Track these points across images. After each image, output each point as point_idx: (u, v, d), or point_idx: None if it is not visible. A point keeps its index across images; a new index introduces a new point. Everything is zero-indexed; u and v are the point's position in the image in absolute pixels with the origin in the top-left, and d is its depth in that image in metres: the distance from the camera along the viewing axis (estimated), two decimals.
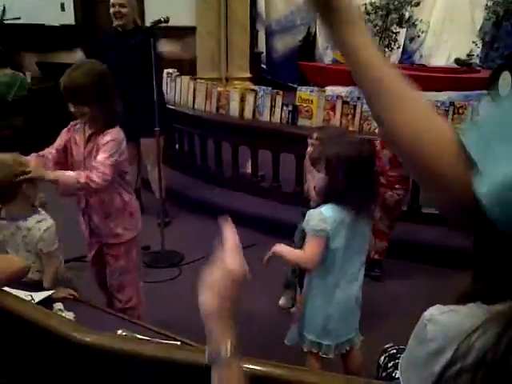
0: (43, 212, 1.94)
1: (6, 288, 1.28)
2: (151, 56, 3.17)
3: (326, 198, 1.80)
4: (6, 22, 7.00)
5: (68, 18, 7.68)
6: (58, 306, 1.62)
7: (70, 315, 1.56)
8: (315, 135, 2.54)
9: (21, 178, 1.80)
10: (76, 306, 1.67)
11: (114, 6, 3.60)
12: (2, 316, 1.08)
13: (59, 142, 2.14)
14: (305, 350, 1.89)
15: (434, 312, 0.90)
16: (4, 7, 7.19)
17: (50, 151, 2.12)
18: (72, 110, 1.99)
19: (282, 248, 1.85)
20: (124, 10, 3.59)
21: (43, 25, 7.00)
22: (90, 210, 2.15)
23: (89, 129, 2.06)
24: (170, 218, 3.89)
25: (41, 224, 1.86)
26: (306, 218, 1.79)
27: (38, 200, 2.04)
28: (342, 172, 1.74)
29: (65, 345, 1.03)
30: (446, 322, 0.86)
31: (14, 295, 1.16)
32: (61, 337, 1.01)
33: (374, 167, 1.84)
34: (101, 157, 1.97)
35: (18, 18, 6.82)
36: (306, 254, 1.78)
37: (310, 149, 2.57)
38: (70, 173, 1.95)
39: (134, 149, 3.86)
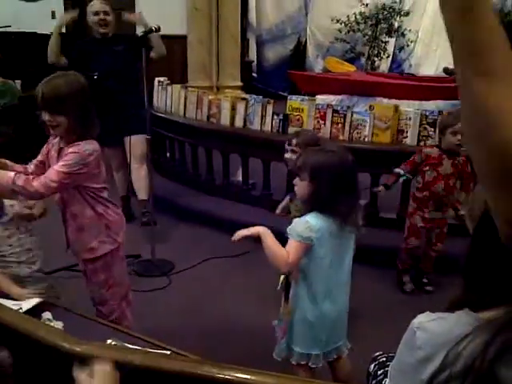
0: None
1: None
2: (136, 62, 3.21)
3: (310, 206, 1.80)
4: None
5: None
6: (47, 315, 1.60)
7: (58, 325, 1.54)
8: (294, 141, 2.58)
9: None
10: (65, 316, 1.66)
11: (98, 13, 3.63)
12: None
13: (40, 156, 2.13)
14: (293, 362, 1.88)
15: (423, 319, 0.91)
16: None
17: (31, 165, 2.13)
18: (46, 118, 1.94)
19: (267, 233, 1.78)
20: (109, 18, 3.64)
21: (35, 33, 6.98)
22: (66, 223, 2.12)
23: (62, 142, 2.01)
24: (151, 219, 3.72)
25: None
26: (292, 225, 1.78)
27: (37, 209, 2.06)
28: (325, 181, 1.75)
29: (54, 354, 1.02)
30: (435, 329, 0.87)
31: (2, 304, 1.15)
32: (49, 346, 1.00)
33: (355, 175, 1.82)
34: (55, 165, 1.93)
35: (9, 26, 6.80)
36: (287, 254, 1.73)
37: (288, 155, 2.63)
38: (10, 173, 1.89)
39: (120, 155, 3.88)
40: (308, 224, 1.74)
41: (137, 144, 3.53)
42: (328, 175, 1.74)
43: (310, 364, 1.86)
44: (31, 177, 1.91)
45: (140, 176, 3.76)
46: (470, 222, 0.89)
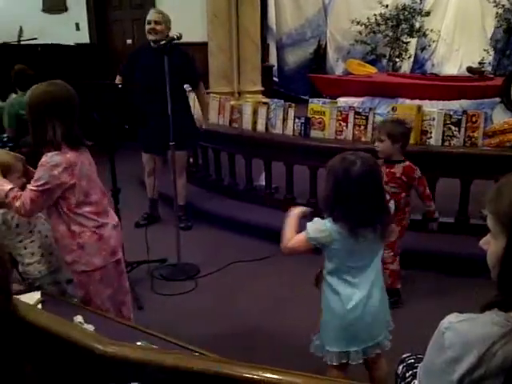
0: (4, 211, 2.01)
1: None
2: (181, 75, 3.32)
3: (323, 211, 1.82)
4: (22, 42, 7.17)
5: (83, 37, 7.87)
6: (78, 318, 1.64)
7: (90, 328, 1.58)
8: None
9: None
10: (95, 319, 1.70)
11: (150, 23, 3.81)
12: (28, 330, 1.10)
13: None
14: (328, 362, 1.87)
15: (452, 320, 0.91)
16: (21, 28, 7.37)
17: None
18: None
19: (293, 215, 1.92)
20: (159, 27, 3.78)
21: (60, 44, 7.16)
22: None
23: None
24: (191, 223, 4.09)
25: None
26: (312, 221, 1.82)
27: None
28: (329, 186, 1.78)
29: (88, 356, 1.05)
30: (464, 329, 0.87)
31: (38, 308, 1.18)
32: (84, 348, 1.03)
33: (370, 185, 1.76)
34: (29, 184, 1.94)
35: (35, 39, 6.98)
36: (290, 243, 1.84)
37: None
38: (7, 186, 1.93)
39: (155, 162, 4.06)
40: (322, 227, 1.78)
41: (178, 158, 3.59)
42: (333, 182, 1.76)
43: (350, 361, 1.85)
44: (19, 194, 1.91)
45: (181, 184, 3.94)
46: (497, 223, 0.88)
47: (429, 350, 0.92)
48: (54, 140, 1.93)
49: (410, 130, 2.87)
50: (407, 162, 2.77)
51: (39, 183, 1.90)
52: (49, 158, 1.92)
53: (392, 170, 2.73)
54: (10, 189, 1.92)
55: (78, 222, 2.00)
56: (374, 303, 1.83)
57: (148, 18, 3.85)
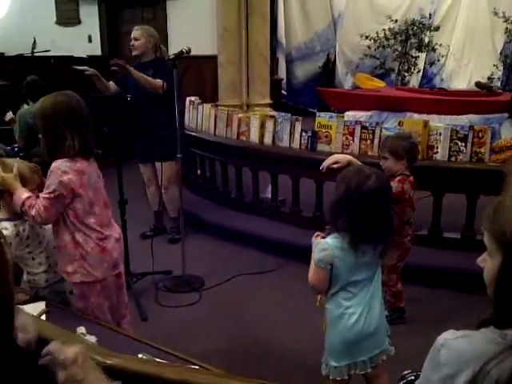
0: (19, 222, 2.03)
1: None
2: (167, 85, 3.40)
3: (329, 221, 1.83)
4: (36, 54, 7.29)
5: (95, 49, 7.99)
6: (81, 329, 1.65)
7: (92, 339, 1.59)
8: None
9: None
10: (98, 330, 1.71)
11: (131, 40, 3.93)
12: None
13: None
14: (345, 377, 1.84)
15: (448, 337, 0.91)
16: (34, 39, 7.51)
17: None
18: None
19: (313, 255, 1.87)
20: (136, 43, 3.87)
21: (72, 56, 7.27)
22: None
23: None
24: (180, 236, 3.95)
25: (2, 231, 1.91)
26: (313, 248, 1.82)
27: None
28: (339, 194, 1.78)
29: None
30: (460, 346, 0.87)
31: (42, 321, 1.20)
32: None
33: (379, 203, 1.76)
34: (43, 192, 1.97)
35: (48, 51, 7.10)
36: (309, 277, 1.83)
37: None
38: (24, 194, 1.96)
39: (151, 171, 4.07)
40: (324, 245, 1.79)
41: (163, 169, 3.65)
42: (343, 191, 1.76)
43: (357, 371, 1.84)
44: (34, 202, 1.94)
45: (167, 198, 4.06)
46: (493, 241, 0.88)
47: (425, 366, 0.93)
48: (69, 150, 1.96)
49: (415, 145, 2.79)
50: (397, 178, 2.65)
51: (50, 190, 1.94)
52: (59, 164, 1.96)
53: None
54: (27, 197, 1.96)
55: (82, 232, 2.02)
56: (376, 313, 1.83)
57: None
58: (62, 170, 1.95)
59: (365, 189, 1.72)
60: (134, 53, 3.90)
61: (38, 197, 1.99)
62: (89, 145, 2.04)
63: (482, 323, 0.87)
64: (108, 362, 1.02)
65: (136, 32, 3.89)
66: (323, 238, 1.86)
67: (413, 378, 1.45)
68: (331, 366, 1.85)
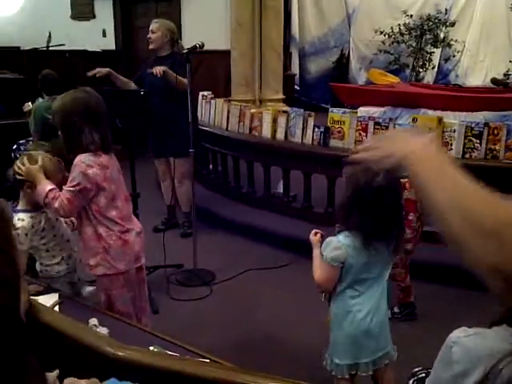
0: (36, 214, 2.06)
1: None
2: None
3: (340, 220, 1.82)
4: (51, 48, 7.35)
5: (109, 43, 8.03)
6: (93, 321, 1.67)
7: (104, 330, 1.61)
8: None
9: (17, 176, 2.01)
10: (110, 322, 1.72)
11: (148, 32, 3.93)
12: (43, 332, 1.13)
13: None
14: (346, 376, 1.85)
15: (460, 334, 0.90)
16: (50, 34, 7.57)
17: None
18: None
19: (316, 246, 1.89)
20: (153, 36, 3.86)
21: (86, 50, 7.32)
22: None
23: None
24: (191, 230, 3.97)
25: (17, 222, 1.98)
26: (325, 242, 1.82)
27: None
28: (348, 194, 1.78)
29: (99, 359, 1.07)
30: (472, 344, 0.86)
31: (52, 310, 1.21)
32: (95, 351, 1.05)
33: (388, 201, 1.76)
34: (66, 185, 1.99)
35: (63, 45, 7.15)
36: (318, 275, 1.83)
37: None
38: (48, 187, 1.97)
39: (165, 166, 4.09)
40: (337, 244, 1.78)
41: (177, 165, 3.70)
42: (351, 191, 1.77)
43: (359, 373, 1.84)
44: (57, 194, 1.97)
45: (181, 192, 4.09)
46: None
47: (436, 364, 0.92)
48: (89, 145, 2.00)
49: None
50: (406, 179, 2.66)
51: (74, 183, 1.97)
52: (83, 158, 1.99)
53: None
54: (50, 189, 1.98)
55: (105, 226, 2.05)
56: (382, 314, 1.83)
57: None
58: (86, 163, 1.98)
59: (374, 186, 1.72)
60: (151, 46, 3.90)
61: (61, 190, 2.02)
62: (109, 140, 2.07)
63: (496, 322, 0.87)
64: (119, 353, 1.03)
65: (154, 25, 3.89)
66: (323, 236, 1.90)
67: (423, 375, 1.45)
68: (334, 363, 1.86)
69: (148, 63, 4.02)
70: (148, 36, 3.90)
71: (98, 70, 3.59)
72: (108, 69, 3.68)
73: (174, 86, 3.54)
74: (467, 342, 0.83)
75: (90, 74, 3.59)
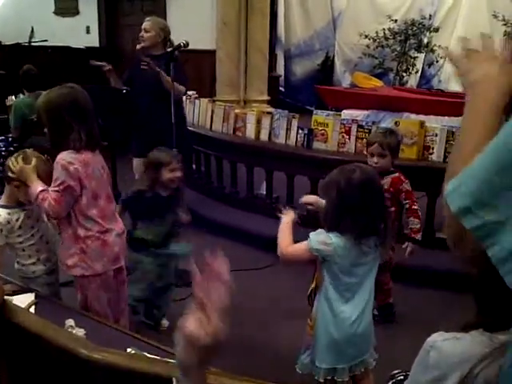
0: (14, 211, 2.05)
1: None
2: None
3: (326, 226, 1.80)
4: (33, 43, 7.25)
5: (93, 40, 7.94)
6: (70, 322, 1.64)
7: (80, 332, 1.58)
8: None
9: (9, 173, 2.01)
10: (87, 323, 1.70)
11: (141, 30, 3.82)
12: (14, 332, 1.11)
13: None
14: (321, 380, 1.85)
15: (437, 338, 0.90)
16: (32, 29, 7.46)
17: None
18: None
19: (286, 221, 1.89)
20: (146, 35, 3.76)
21: (69, 47, 7.23)
22: None
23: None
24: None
25: None
26: (315, 232, 1.81)
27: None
28: (331, 199, 1.78)
29: (73, 361, 1.05)
30: (449, 349, 0.86)
31: (26, 311, 1.19)
32: (70, 353, 1.03)
33: (372, 193, 1.79)
34: (51, 186, 1.97)
35: (45, 41, 7.05)
36: (289, 250, 1.82)
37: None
38: (40, 188, 1.95)
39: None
40: (328, 239, 1.76)
41: None
42: (334, 194, 1.76)
43: (336, 378, 1.84)
44: (46, 196, 1.94)
45: None
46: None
47: (414, 368, 0.92)
48: (75, 142, 1.97)
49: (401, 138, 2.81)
50: (397, 173, 2.64)
51: (58, 182, 1.95)
52: (64, 155, 1.96)
53: (382, 182, 2.59)
54: (41, 190, 1.96)
55: (84, 226, 2.02)
56: (366, 320, 1.83)
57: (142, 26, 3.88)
58: (67, 160, 1.95)
59: (355, 183, 1.74)
60: (143, 44, 3.80)
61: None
62: (95, 137, 2.05)
63: (469, 326, 0.87)
64: (94, 355, 1.01)
65: (147, 23, 3.80)
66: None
67: (402, 377, 1.45)
68: (315, 366, 1.86)
69: (138, 62, 3.89)
70: (140, 34, 3.80)
71: (104, 63, 3.51)
72: (111, 66, 3.59)
73: (168, 90, 3.47)
74: (444, 346, 0.83)
75: (94, 63, 3.51)
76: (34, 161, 2.03)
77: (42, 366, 1.02)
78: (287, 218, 1.92)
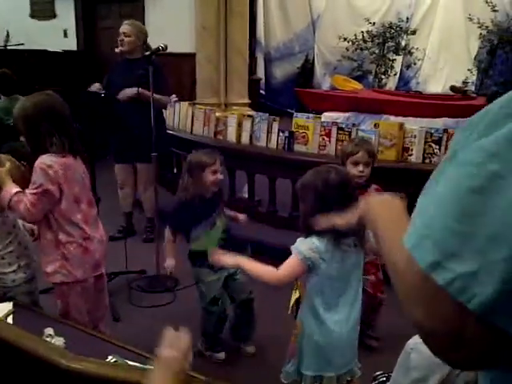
0: None
1: None
2: (156, 85, 3.23)
3: (305, 229, 1.79)
4: (9, 47, 7.13)
5: (71, 44, 7.85)
6: (49, 331, 1.61)
7: (60, 340, 1.55)
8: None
9: None
10: (66, 331, 1.67)
11: (119, 35, 3.78)
12: None
13: None
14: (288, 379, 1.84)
15: (418, 341, 0.91)
16: (8, 32, 7.33)
17: None
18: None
19: (245, 261, 1.80)
20: (127, 40, 3.73)
21: (46, 50, 7.13)
22: None
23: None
24: (154, 235, 3.92)
25: None
26: (297, 242, 1.78)
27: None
28: (309, 201, 1.77)
29: (52, 371, 1.03)
30: (429, 351, 0.87)
31: (3, 320, 1.16)
32: (48, 363, 1.01)
33: (349, 192, 1.78)
34: (28, 188, 1.93)
35: (22, 44, 6.94)
36: (280, 271, 1.75)
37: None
38: (14, 190, 1.92)
39: (127, 172, 3.99)
40: (314, 245, 1.74)
41: (143, 171, 3.65)
42: (311, 196, 1.76)
43: None
44: (22, 198, 1.90)
45: (146, 198, 3.98)
46: None
47: (395, 369, 0.92)
48: (56, 149, 1.94)
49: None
50: (374, 185, 2.56)
51: (37, 185, 1.91)
52: (43, 159, 1.93)
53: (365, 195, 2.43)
54: (16, 192, 1.92)
55: (66, 231, 1.99)
56: (351, 327, 1.82)
57: (120, 29, 3.81)
58: (47, 164, 1.92)
59: (332, 184, 1.74)
60: (122, 48, 3.75)
61: None
62: (75, 143, 2.03)
63: None
64: (73, 365, 0.99)
65: (126, 27, 3.75)
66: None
67: (384, 379, 1.45)
68: (301, 374, 1.84)
69: (117, 66, 3.90)
70: (120, 38, 3.74)
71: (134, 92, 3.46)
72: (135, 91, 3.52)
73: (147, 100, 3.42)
74: (425, 348, 0.84)
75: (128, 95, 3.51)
76: (7, 164, 1.99)
77: (20, 377, 1.00)
78: (225, 258, 1.82)
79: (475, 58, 9.50)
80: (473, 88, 9.06)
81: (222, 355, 2.54)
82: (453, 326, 0.54)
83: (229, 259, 1.80)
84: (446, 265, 0.53)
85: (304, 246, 1.75)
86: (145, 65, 3.52)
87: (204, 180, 2.45)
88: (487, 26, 8.95)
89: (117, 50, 3.80)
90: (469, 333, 0.53)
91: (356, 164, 2.44)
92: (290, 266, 1.76)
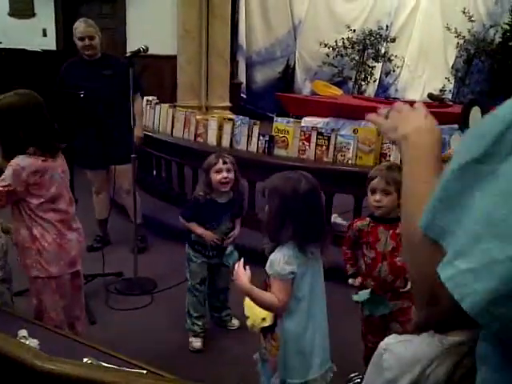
0: None
1: None
2: (124, 87, 3.17)
3: (268, 233, 1.79)
4: None
5: (50, 43, 7.74)
6: (23, 332, 1.59)
7: (34, 342, 1.53)
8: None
9: None
10: (41, 333, 1.64)
11: (83, 39, 3.53)
12: None
13: None
14: None
15: (391, 341, 0.93)
16: None
17: None
18: None
19: (249, 288, 1.75)
20: (94, 42, 3.55)
21: (24, 49, 7.02)
22: None
23: None
24: (145, 244, 3.88)
25: None
26: (269, 263, 1.76)
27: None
28: (274, 206, 1.75)
29: (25, 372, 1.02)
30: (401, 351, 0.89)
31: None
32: (21, 364, 1.00)
33: (315, 202, 1.78)
34: None
35: (0, 43, 6.83)
36: (278, 299, 1.72)
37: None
38: None
39: (103, 178, 3.84)
40: (285, 257, 1.73)
41: (124, 174, 3.48)
42: (279, 202, 1.74)
43: None
44: None
45: (130, 202, 3.61)
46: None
47: (369, 370, 0.94)
48: (31, 151, 1.93)
49: None
50: None
51: (5, 183, 1.89)
52: (19, 159, 1.92)
53: (398, 231, 2.04)
54: None
55: (40, 226, 1.99)
56: (324, 325, 1.85)
57: (79, 32, 3.54)
58: (21, 165, 1.91)
59: (300, 193, 1.73)
60: (91, 52, 3.56)
61: None
62: (51, 143, 2.01)
63: (420, 327, 0.90)
64: (47, 366, 0.98)
65: (90, 29, 3.54)
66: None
67: (359, 380, 1.47)
68: (284, 382, 1.83)
69: (72, 67, 3.68)
70: (86, 43, 3.51)
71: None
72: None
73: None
74: (396, 349, 0.86)
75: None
76: None
77: None
78: (243, 279, 1.75)
79: (452, 67, 9.71)
80: (450, 96, 9.25)
81: (198, 344, 2.66)
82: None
83: (244, 284, 1.74)
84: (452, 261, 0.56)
85: (279, 266, 1.72)
86: (113, 67, 3.51)
87: (211, 180, 2.59)
88: (464, 36, 9.16)
89: (86, 57, 3.59)
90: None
91: (373, 192, 2.11)
92: (279, 290, 1.72)
